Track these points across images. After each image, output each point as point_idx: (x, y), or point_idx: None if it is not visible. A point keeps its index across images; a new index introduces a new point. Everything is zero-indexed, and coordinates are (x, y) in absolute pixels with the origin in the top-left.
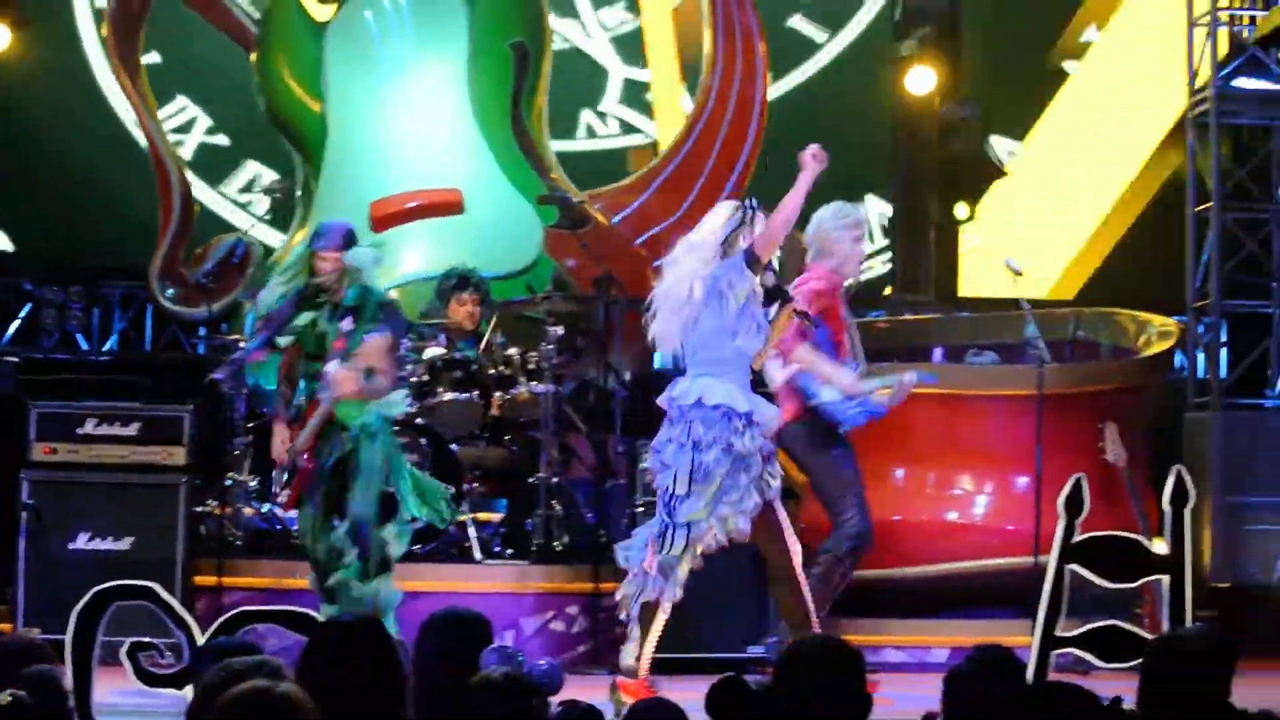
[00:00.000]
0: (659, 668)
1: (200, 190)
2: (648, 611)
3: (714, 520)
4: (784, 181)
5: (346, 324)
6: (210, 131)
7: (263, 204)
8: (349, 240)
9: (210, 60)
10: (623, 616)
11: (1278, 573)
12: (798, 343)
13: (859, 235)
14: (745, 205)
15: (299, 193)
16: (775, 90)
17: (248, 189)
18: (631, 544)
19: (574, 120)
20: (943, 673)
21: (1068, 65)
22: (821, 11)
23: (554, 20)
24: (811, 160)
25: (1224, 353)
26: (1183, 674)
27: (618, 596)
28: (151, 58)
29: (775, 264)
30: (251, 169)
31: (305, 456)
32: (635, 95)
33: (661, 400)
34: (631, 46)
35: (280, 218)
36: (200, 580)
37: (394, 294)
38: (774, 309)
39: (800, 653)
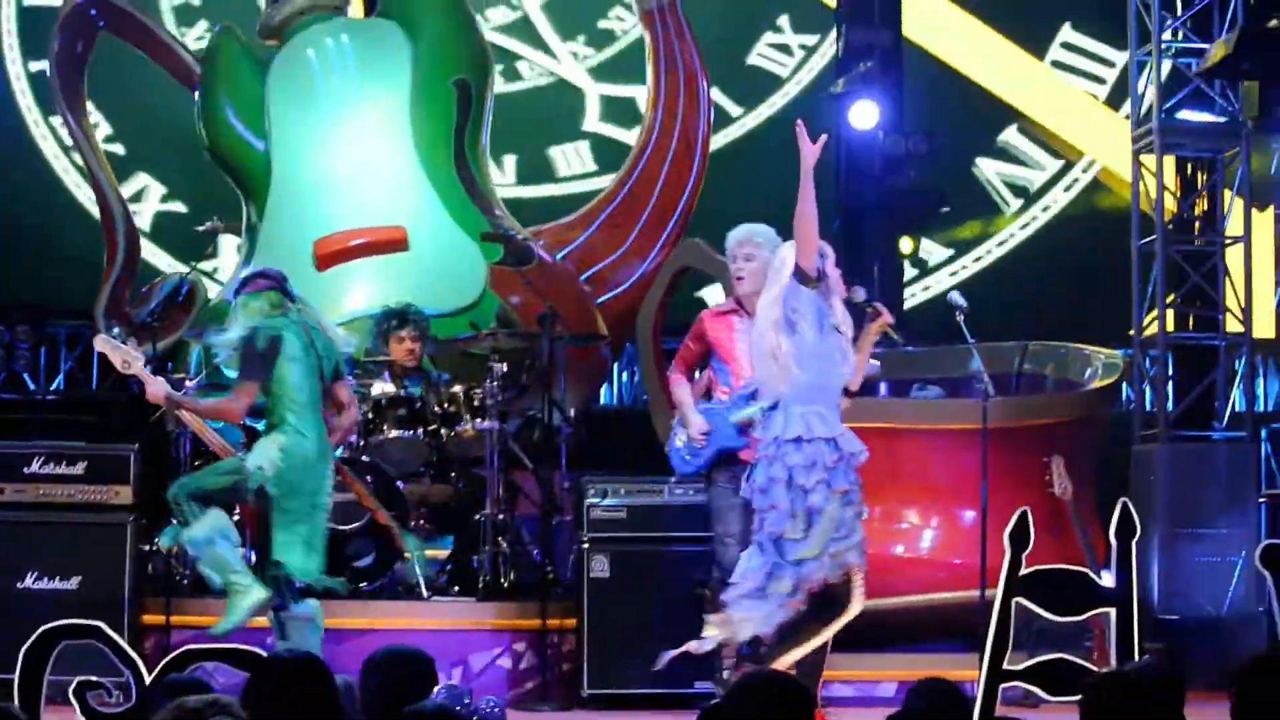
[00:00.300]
0: (605, 704)
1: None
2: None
3: (825, 558)
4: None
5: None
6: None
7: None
8: (242, 284)
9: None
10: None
11: (1227, 605)
12: (674, 377)
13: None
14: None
15: (244, 231)
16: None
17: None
18: (740, 585)
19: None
20: (891, 707)
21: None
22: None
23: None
24: (810, 154)
25: (1170, 385)
26: (1129, 708)
27: (715, 639)
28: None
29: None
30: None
31: None
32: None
33: (756, 435)
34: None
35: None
36: (148, 619)
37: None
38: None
39: (748, 687)
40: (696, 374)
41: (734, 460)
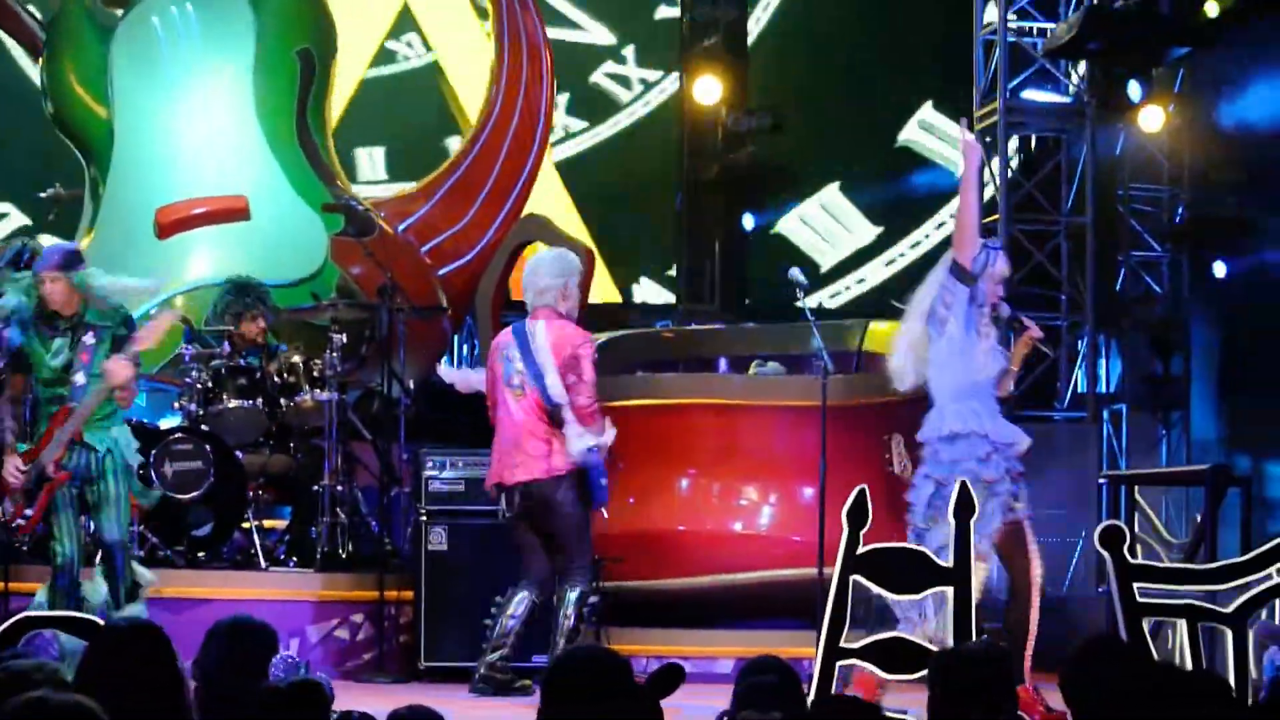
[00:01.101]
0: (442, 677)
1: None
2: None
3: None
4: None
5: (89, 339)
6: None
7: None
8: (69, 261)
9: None
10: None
11: (1066, 585)
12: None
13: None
14: (986, 245)
15: (88, 197)
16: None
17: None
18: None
19: None
20: (728, 683)
21: None
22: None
23: None
24: (970, 150)
25: None
26: (967, 686)
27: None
28: None
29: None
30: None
31: (54, 467)
32: None
33: (919, 436)
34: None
35: (64, 223)
36: None
37: (180, 300)
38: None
39: (566, 663)
40: None
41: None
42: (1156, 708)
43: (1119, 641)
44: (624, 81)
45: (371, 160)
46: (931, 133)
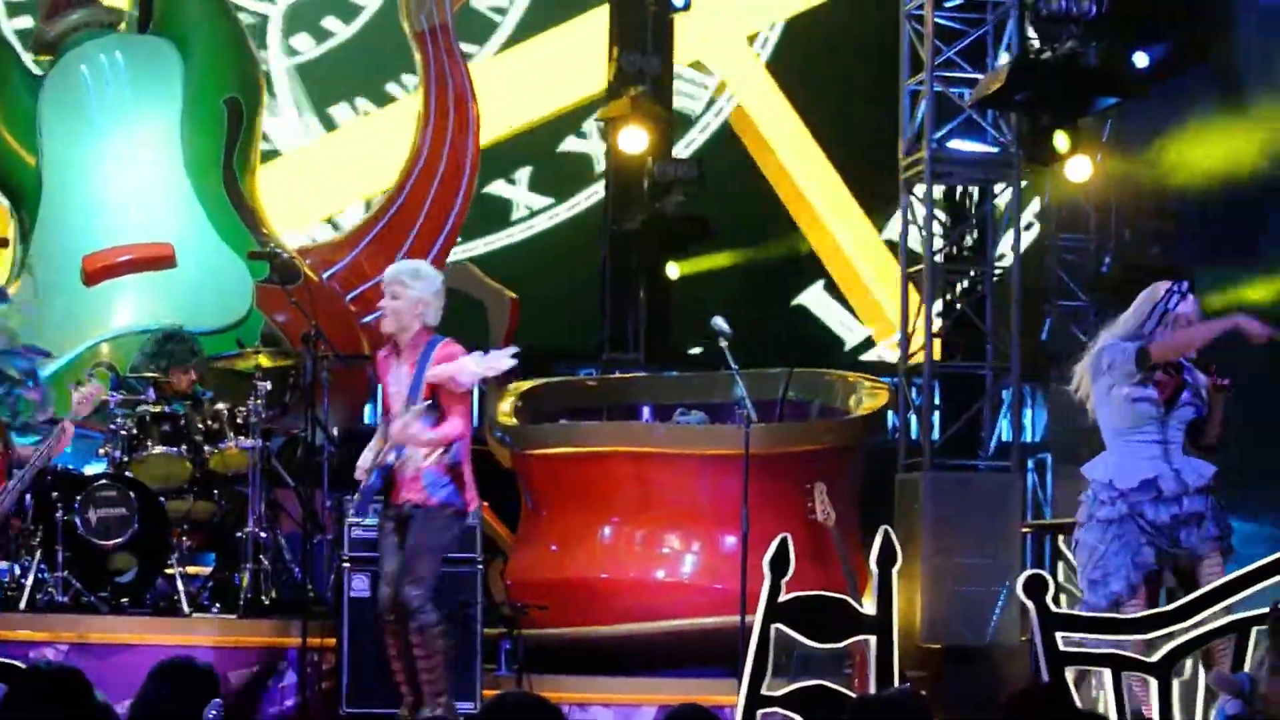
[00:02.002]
0: None
1: None
2: None
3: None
4: None
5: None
6: None
7: None
8: None
9: None
10: None
11: (989, 634)
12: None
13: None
14: (1173, 289)
15: (16, 243)
16: None
17: None
18: None
19: None
20: None
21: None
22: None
23: None
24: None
25: (937, 415)
26: None
27: None
28: None
29: None
30: None
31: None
32: None
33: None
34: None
35: None
36: None
37: (106, 347)
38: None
39: (499, 707)
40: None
41: (387, 503)
42: None
43: (1049, 691)
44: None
45: None
46: None
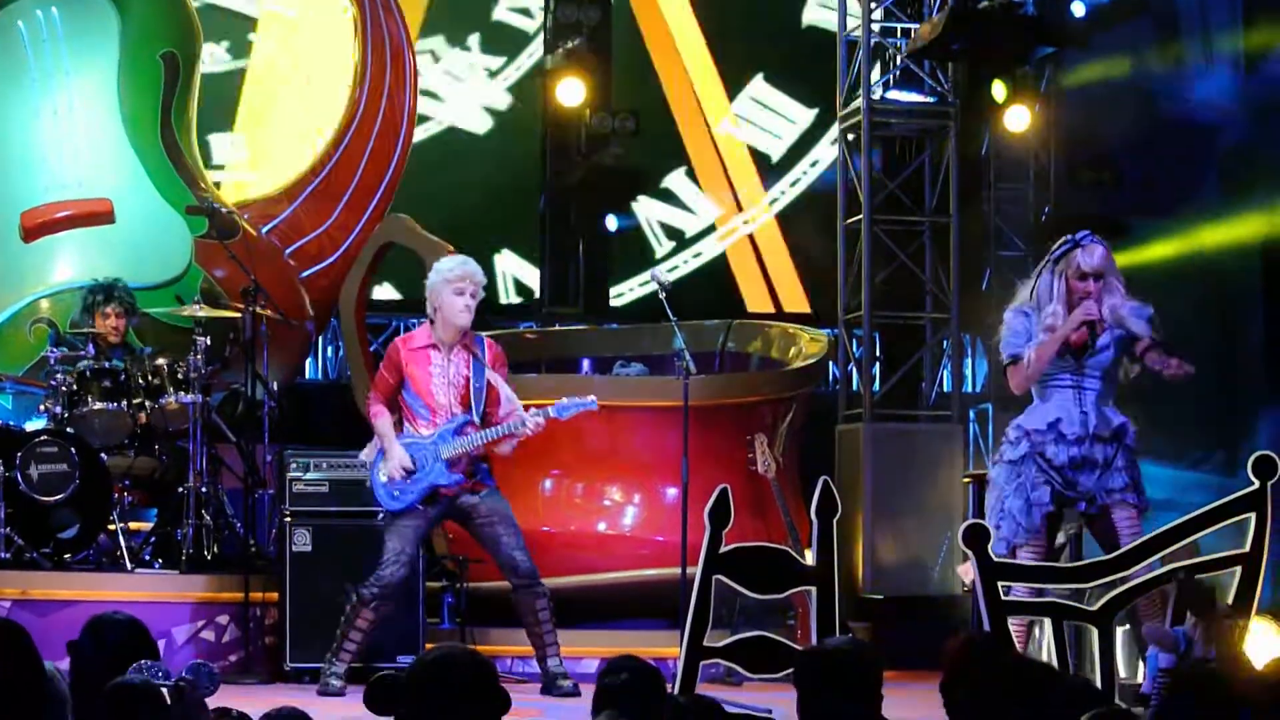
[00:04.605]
0: (306, 677)
1: None
2: None
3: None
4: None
5: None
6: None
7: None
8: None
9: None
10: None
11: (931, 584)
12: (374, 409)
13: (459, 289)
14: (1067, 239)
15: None
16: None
17: None
18: None
19: None
20: (592, 683)
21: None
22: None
23: None
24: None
25: (877, 365)
26: (832, 685)
27: None
28: None
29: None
30: None
31: None
32: None
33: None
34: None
35: None
36: None
37: (45, 303)
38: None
39: (429, 662)
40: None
41: (437, 497)
42: (1038, 709)
43: (996, 641)
44: (527, 13)
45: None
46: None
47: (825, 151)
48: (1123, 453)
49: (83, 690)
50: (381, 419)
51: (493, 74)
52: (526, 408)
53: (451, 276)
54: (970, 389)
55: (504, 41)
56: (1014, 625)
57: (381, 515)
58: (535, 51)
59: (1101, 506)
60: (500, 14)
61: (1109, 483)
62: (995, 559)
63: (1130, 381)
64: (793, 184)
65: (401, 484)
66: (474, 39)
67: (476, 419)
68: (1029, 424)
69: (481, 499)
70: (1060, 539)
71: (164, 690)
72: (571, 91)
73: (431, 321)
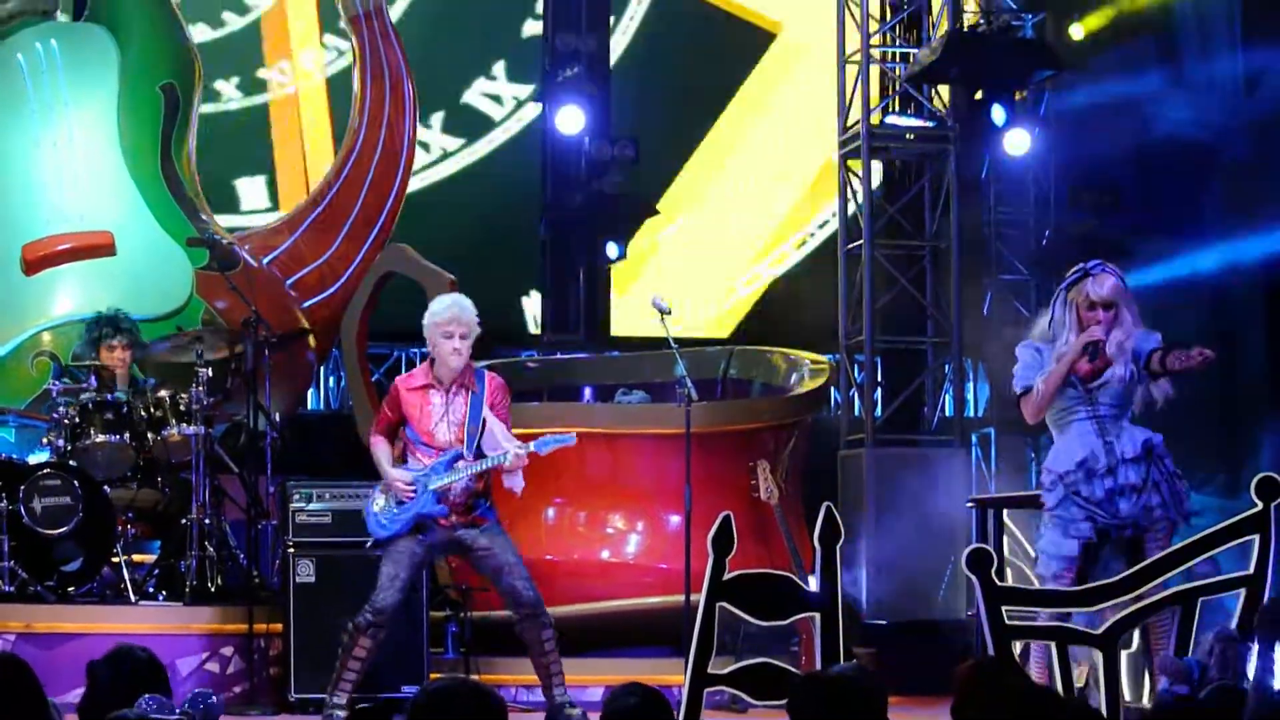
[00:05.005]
0: (310, 707)
1: None
2: None
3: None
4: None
5: None
6: None
7: None
8: None
9: None
10: None
11: (935, 610)
12: (375, 439)
13: (447, 332)
14: (1077, 268)
15: None
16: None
17: None
18: None
19: None
20: (596, 712)
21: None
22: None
23: None
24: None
25: (879, 391)
26: (832, 712)
27: None
28: None
29: None
30: None
31: None
32: None
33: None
34: None
35: None
36: None
37: (47, 336)
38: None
39: (433, 693)
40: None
41: (427, 526)
42: None
43: (1000, 665)
44: (497, 99)
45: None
46: None
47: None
48: (1156, 468)
49: (90, 715)
50: (379, 446)
51: (446, 154)
52: (522, 438)
53: (440, 320)
54: (972, 413)
55: (468, 124)
56: (1036, 655)
57: (369, 544)
58: (496, 138)
59: (1141, 529)
60: (470, 97)
61: (1148, 501)
62: (1000, 584)
63: (1153, 409)
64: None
65: (390, 513)
66: (437, 117)
67: (469, 454)
68: (1058, 467)
69: (481, 532)
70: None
71: None
72: (571, 119)
73: (431, 360)
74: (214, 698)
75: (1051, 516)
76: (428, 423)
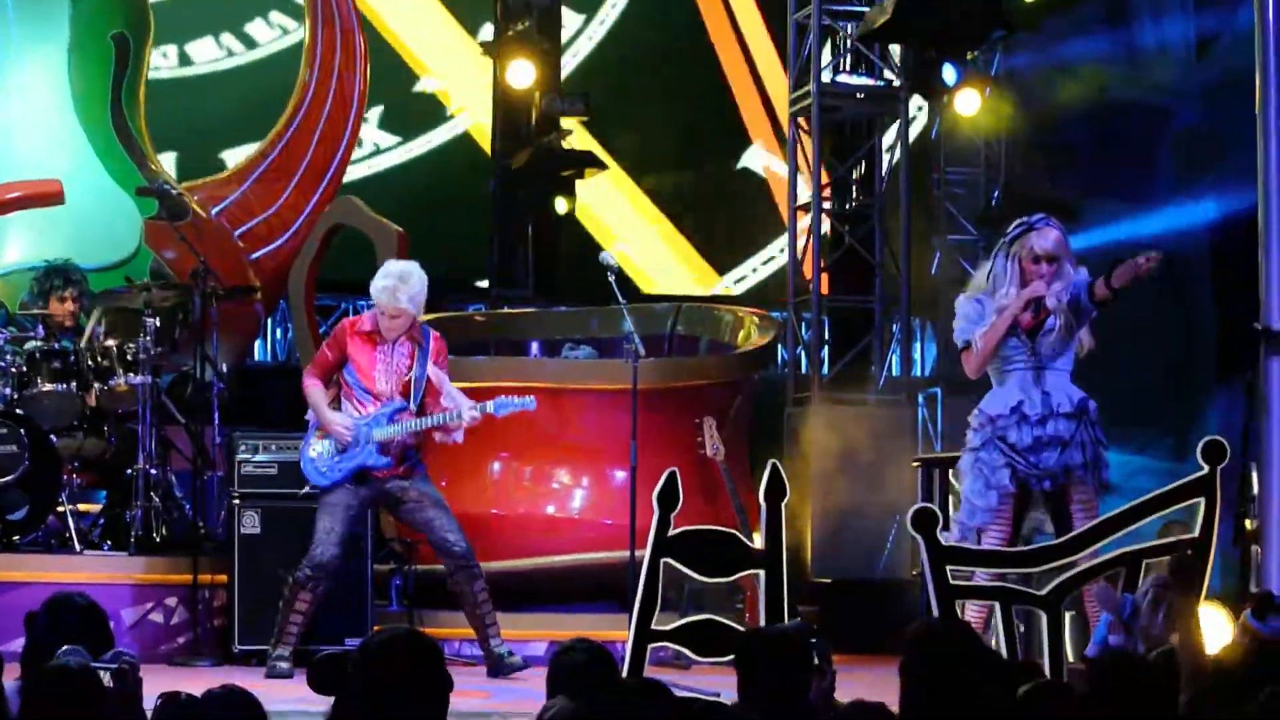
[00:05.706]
0: (254, 658)
1: None
2: None
3: None
4: None
5: None
6: None
7: None
8: None
9: None
10: None
11: (880, 568)
12: (310, 381)
13: (384, 310)
14: (1020, 222)
15: None
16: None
17: None
18: None
19: None
20: (541, 666)
21: None
22: None
23: None
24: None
25: (826, 349)
26: (771, 667)
27: None
28: None
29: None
30: None
31: None
32: None
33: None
34: None
35: None
36: None
37: None
38: None
39: (376, 645)
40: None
41: (366, 478)
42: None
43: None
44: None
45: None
46: None
47: None
48: (1085, 428)
49: (33, 665)
50: (315, 390)
51: (378, 150)
52: (471, 393)
53: (380, 300)
54: (920, 373)
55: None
56: (972, 612)
57: (304, 490)
58: (434, 139)
59: (1061, 486)
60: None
61: (1070, 459)
62: (945, 544)
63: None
64: None
65: (329, 461)
66: (375, 112)
67: (413, 407)
68: (991, 409)
69: (411, 484)
70: (1024, 530)
71: (104, 673)
72: (521, 74)
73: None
74: (132, 656)
75: (974, 460)
76: (370, 368)
